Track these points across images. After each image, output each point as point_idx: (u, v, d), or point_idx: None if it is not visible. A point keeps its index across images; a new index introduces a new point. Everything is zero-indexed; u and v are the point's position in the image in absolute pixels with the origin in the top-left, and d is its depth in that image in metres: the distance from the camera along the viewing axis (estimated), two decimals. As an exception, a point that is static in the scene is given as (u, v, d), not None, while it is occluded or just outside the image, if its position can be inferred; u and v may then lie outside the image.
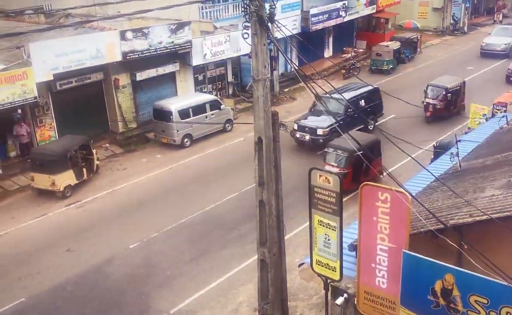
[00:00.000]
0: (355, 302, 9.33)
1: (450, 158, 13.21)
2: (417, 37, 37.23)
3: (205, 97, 24.45)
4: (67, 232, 16.59)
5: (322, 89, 10.15)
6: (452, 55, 37.10)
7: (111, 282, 14.25)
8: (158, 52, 23.30)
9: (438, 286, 7.71)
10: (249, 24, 9.27)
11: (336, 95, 18.67)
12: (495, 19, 48.70)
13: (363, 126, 22.03)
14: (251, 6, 9.02)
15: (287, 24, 24.26)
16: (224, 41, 26.00)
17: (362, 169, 17.40)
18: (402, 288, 8.16)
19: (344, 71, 32.10)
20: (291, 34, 13.21)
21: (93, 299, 13.58)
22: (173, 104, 22.77)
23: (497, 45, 35.64)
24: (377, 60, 33.12)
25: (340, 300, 9.78)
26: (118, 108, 23.59)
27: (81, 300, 13.55)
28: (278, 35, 11.62)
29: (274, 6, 9.37)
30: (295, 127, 21.60)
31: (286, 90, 30.08)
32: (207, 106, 23.56)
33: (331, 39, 36.05)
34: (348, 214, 12.78)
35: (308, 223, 9.60)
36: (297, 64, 27.83)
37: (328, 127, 21.02)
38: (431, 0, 44.45)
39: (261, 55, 9.44)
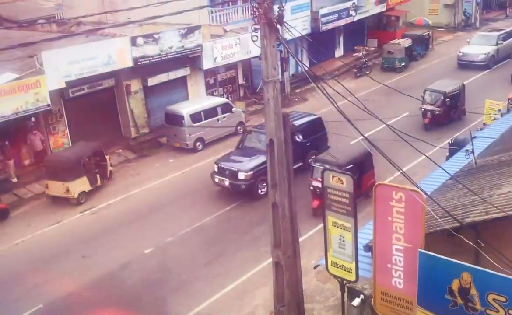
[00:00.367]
0: (372, 303, 9.27)
1: (466, 155, 13.08)
2: (428, 34, 36.93)
3: (217, 100, 24.49)
4: (82, 238, 16.68)
5: (333, 89, 10.09)
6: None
7: (126, 287, 14.30)
8: (169, 57, 23.38)
9: (455, 285, 7.62)
10: (258, 27, 9.27)
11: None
12: (507, 13, 48.17)
13: (301, 163, 19.03)
14: (260, 9, 9.01)
15: (296, 25, 24.24)
16: (234, 44, 26.02)
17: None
18: (419, 288, 8.08)
19: (355, 70, 31.97)
20: (301, 35, 13.17)
21: (109, 305, 13.63)
22: (185, 108, 22.83)
23: (475, 55, 31.65)
24: (389, 58, 32.91)
25: (356, 302, 9.73)
26: (130, 114, 23.71)
27: (97, 306, 13.60)
28: (288, 36, 11.58)
29: (283, 8, 9.36)
30: (215, 168, 18.67)
31: (297, 91, 30.00)
32: (219, 109, 23.59)
33: (341, 39, 35.90)
34: (363, 215, 12.74)
35: (322, 224, 9.55)
36: (307, 65, 27.86)
37: (252, 170, 17.94)
38: (442, -4, 44.11)
39: (271, 57, 9.42)
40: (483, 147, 13.99)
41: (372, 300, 9.26)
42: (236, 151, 19.50)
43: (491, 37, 33.15)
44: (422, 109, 22.80)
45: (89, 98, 22.20)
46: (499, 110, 19.65)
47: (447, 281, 7.73)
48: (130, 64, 22.20)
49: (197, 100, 24.86)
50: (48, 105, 19.76)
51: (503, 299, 7.20)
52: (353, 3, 34.07)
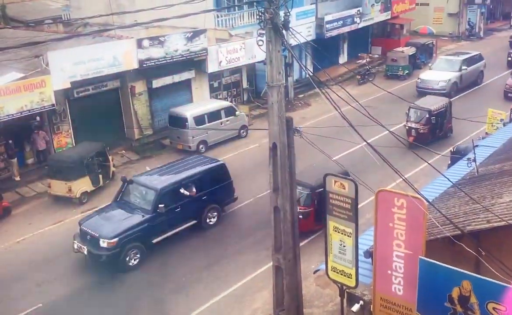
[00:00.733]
0: (371, 309, 9.28)
1: (467, 164, 13.09)
2: (432, 42, 37.00)
3: (220, 104, 24.57)
4: (83, 238, 16.69)
5: (337, 95, 10.15)
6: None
7: (126, 288, 14.32)
8: (174, 59, 23.49)
9: (455, 293, 7.63)
10: (263, 32, 9.35)
11: (148, 179, 16.06)
12: (511, 24, 48.22)
13: (195, 221, 16.30)
14: (266, 14, 9.10)
15: (301, 31, 24.32)
16: (239, 49, 26.11)
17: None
18: (418, 295, 8.09)
19: (359, 77, 32.05)
20: (306, 40, 13.26)
21: (109, 305, 13.66)
22: (189, 111, 22.91)
23: (435, 82, 28.23)
24: (392, 66, 32.98)
25: (356, 307, 9.73)
26: (134, 115, 23.80)
27: (98, 306, 13.63)
28: (292, 42, 11.65)
29: (288, 14, 9.44)
30: (78, 230, 15.30)
31: (301, 96, 30.08)
32: (222, 112, 23.66)
33: (346, 45, 36.02)
34: (364, 221, 12.75)
35: (322, 230, 9.58)
36: (312, 71, 27.92)
37: (118, 236, 14.40)
38: (447, 6, 44.16)
39: (276, 62, 9.51)
40: (485, 156, 14.00)
41: (371, 306, 9.27)
42: (108, 208, 16.21)
43: (454, 62, 29.74)
44: (407, 127, 21.84)
45: (93, 99, 22.30)
46: (502, 120, 19.67)
47: (447, 288, 7.73)
48: (135, 66, 22.30)
49: (201, 103, 24.94)
50: (53, 105, 19.86)
51: (503, 309, 7.21)
52: (358, 10, 34.19)
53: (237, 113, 24.24)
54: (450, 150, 18.19)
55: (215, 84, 27.18)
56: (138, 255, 14.88)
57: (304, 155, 14.42)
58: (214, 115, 23.30)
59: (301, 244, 11.20)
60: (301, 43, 10.33)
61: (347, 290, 9.73)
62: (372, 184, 11.34)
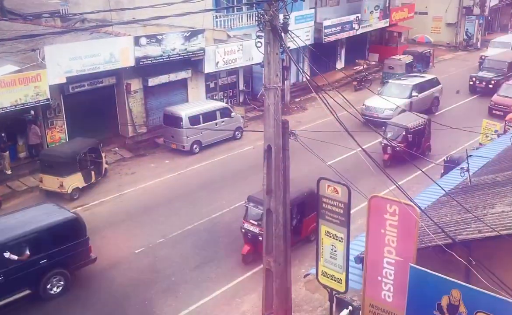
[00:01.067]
0: (360, 315, 9.24)
1: (461, 173, 13.11)
2: (429, 51, 37.17)
3: (216, 104, 24.52)
4: (74, 234, 16.56)
5: (334, 100, 10.12)
6: (465, 70, 36.81)
7: (115, 286, 14.22)
8: (171, 58, 23.42)
9: (444, 301, 7.61)
10: (262, 34, 9.33)
11: None
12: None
13: (29, 292, 13.06)
14: (266, 16, 9.08)
15: (300, 35, 24.27)
16: (237, 50, 26.09)
17: (291, 229, 13.57)
18: (408, 303, 8.06)
19: (355, 83, 32.10)
20: (304, 44, 13.25)
21: (96, 302, 13.56)
22: (184, 110, 22.84)
23: (380, 110, 25.25)
24: (389, 73, 33.01)
25: (345, 313, 9.71)
26: (128, 113, 23.70)
27: (85, 303, 13.53)
28: (290, 45, 11.62)
29: (288, 17, 9.43)
30: None
31: (297, 100, 30.12)
32: (218, 113, 23.61)
33: (343, 51, 36.09)
34: (356, 227, 12.71)
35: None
36: (309, 75, 27.92)
37: None
38: (445, 15, 44.42)
39: (273, 64, 9.49)
40: (478, 166, 14.04)
41: (360, 312, 9.23)
42: None
43: (404, 87, 26.81)
44: (382, 144, 20.74)
45: (88, 95, 22.18)
46: (496, 131, 19.74)
47: (436, 297, 7.71)
48: (132, 63, 22.22)
49: (196, 103, 24.88)
50: (48, 100, 19.74)
51: (492, 319, 7.20)
52: (357, 16, 34.27)
53: (232, 114, 24.20)
54: (444, 159, 18.22)
55: (212, 85, 27.13)
56: None
57: (299, 159, 14.41)
58: (209, 116, 23.23)
59: (292, 247, 11.15)
60: (299, 47, 10.30)
61: (336, 295, 9.69)
62: (366, 190, 11.30)
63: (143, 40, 22.24)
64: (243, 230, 14.79)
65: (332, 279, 9.49)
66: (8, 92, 18.45)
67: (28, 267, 12.89)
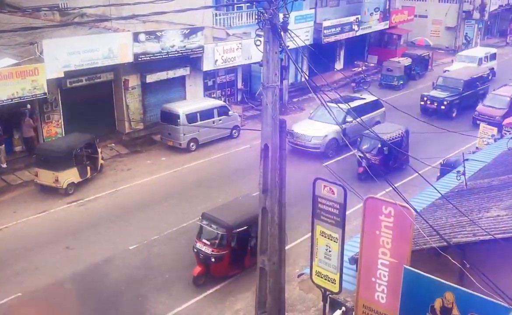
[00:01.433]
0: (353, 316, 9.23)
1: (457, 177, 13.11)
2: (428, 54, 37.21)
3: (214, 103, 24.48)
4: (67, 229, 16.54)
5: (332, 100, 10.11)
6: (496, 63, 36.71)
7: (109, 282, 14.17)
8: (169, 55, 23.35)
9: (437, 304, 7.61)
10: (261, 33, 9.30)
11: None
12: (507, 41, 48.69)
13: None
14: (265, 14, 9.06)
15: (299, 35, 24.23)
16: (236, 49, 26.04)
17: (247, 249, 13.94)
18: (401, 304, 8.06)
19: (353, 84, 32.10)
20: (304, 44, 13.23)
21: (90, 298, 13.51)
22: (181, 108, 22.79)
23: (307, 138, 22.01)
24: (387, 75, 33.08)
25: (338, 313, 9.68)
26: (126, 109, 23.63)
27: (78, 299, 13.48)
28: (289, 45, 11.60)
29: (287, 16, 9.40)
30: None
31: (295, 100, 30.10)
32: (215, 111, 23.57)
33: (342, 52, 36.11)
34: (351, 227, 12.69)
35: (310, 234, 9.52)
36: (307, 75, 27.93)
37: None
38: (444, 19, 44.48)
39: (272, 63, 9.47)
40: (475, 170, 14.05)
41: (353, 313, 9.23)
42: None
43: (338, 111, 20.91)
44: (357, 156, 19.66)
45: (86, 90, 22.09)
46: (493, 135, 19.77)
47: (429, 299, 7.71)
48: (130, 59, 22.14)
49: (194, 100, 24.82)
50: (45, 94, 19.63)
51: (485, 322, 7.19)
52: (357, 18, 34.29)
53: (230, 113, 24.16)
54: (440, 162, 18.23)
55: (210, 83, 27.09)
56: None
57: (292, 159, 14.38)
58: (206, 114, 23.18)
59: (286, 247, 11.12)
60: (299, 47, 10.27)
61: (330, 295, 9.67)
62: (361, 191, 11.30)
63: (142, 36, 22.17)
64: (195, 250, 13.90)
65: (326, 279, 9.47)
66: (5, 85, 18.33)
67: None
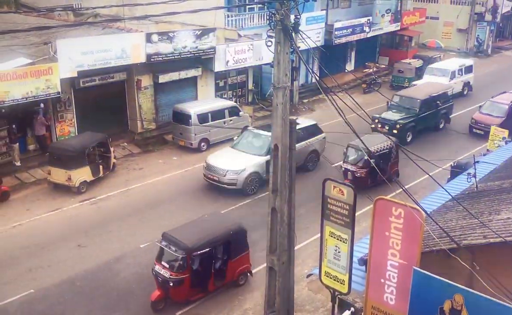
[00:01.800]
0: (362, 317, 9.26)
1: (467, 179, 13.08)
2: (440, 56, 37.07)
3: (225, 103, 24.61)
4: (79, 227, 16.74)
5: (343, 101, 10.14)
6: (474, 76, 36.51)
7: (119, 280, 14.33)
8: (182, 56, 23.52)
9: (447, 306, 7.61)
10: (273, 34, 9.38)
11: None
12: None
13: None
14: (277, 15, 9.13)
15: (310, 36, 24.29)
16: (247, 49, 26.14)
17: (211, 272, 13.20)
18: (410, 306, 8.07)
19: (364, 86, 32.09)
20: (315, 45, 13.26)
21: (100, 296, 13.66)
22: (193, 108, 22.94)
23: (221, 172, 18.84)
24: (398, 77, 33.00)
25: (346, 314, 9.71)
26: (138, 109, 23.83)
27: (89, 296, 13.64)
28: (300, 46, 11.66)
29: (299, 17, 9.47)
30: None
31: (305, 101, 30.15)
32: (226, 112, 23.69)
33: (353, 53, 36.10)
34: (360, 229, 12.72)
35: (319, 235, 9.56)
36: (318, 76, 27.95)
37: None
38: (456, 21, 44.22)
39: (283, 64, 9.53)
40: (485, 172, 14.00)
41: (362, 314, 9.25)
42: None
43: (263, 139, 19.54)
44: (342, 169, 18.94)
45: (99, 90, 22.33)
46: (504, 138, 19.68)
47: (439, 301, 7.71)
48: (143, 59, 22.33)
49: (205, 101, 24.96)
50: (58, 93, 19.88)
51: (494, 324, 7.19)
52: (368, 19, 34.25)
53: (241, 113, 24.27)
54: (451, 165, 18.18)
55: (221, 83, 27.21)
56: None
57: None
58: (218, 114, 23.31)
59: (296, 247, 11.17)
60: (310, 48, 10.32)
61: (339, 296, 9.70)
62: (371, 192, 11.33)
63: (154, 37, 22.36)
64: (153, 273, 13.07)
65: (335, 280, 9.50)
66: (20, 84, 18.60)
67: None
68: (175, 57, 23.31)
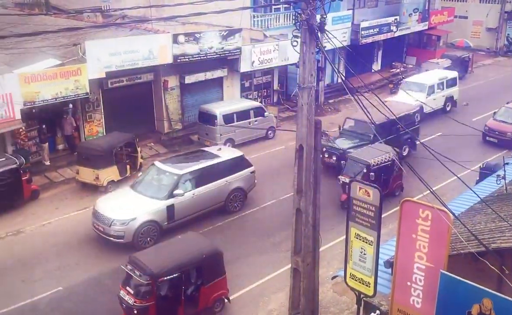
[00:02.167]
0: (388, 320, 9.17)
1: (497, 181, 12.83)
2: (469, 56, 36.36)
3: (250, 104, 24.67)
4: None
5: (369, 101, 10.07)
6: (504, 76, 35.75)
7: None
8: (208, 57, 23.67)
9: (475, 310, 7.49)
10: (299, 33, 9.37)
11: None
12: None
13: None
14: (303, 15, 9.12)
15: (337, 36, 24.18)
16: (273, 50, 26.15)
17: (181, 299, 11.98)
18: (437, 309, 7.97)
19: (391, 86, 31.72)
20: (341, 45, 13.18)
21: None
22: (218, 108, 23.07)
23: (106, 221, 15.46)
24: (426, 77, 32.43)
25: (372, 316, 9.64)
26: (165, 109, 24.08)
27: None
28: (326, 46, 11.61)
29: (325, 17, 9.43)
30: None
31: (331, 101, 30.00)
32: (251, 112, 23.75)
33: (380, 53, 35.78)
34: (386, 231, 12.63)
35: (344, 236, 9.51)
36: (344, 76, 27.79)
37: None
38: (485, 20, 43.38)
39: (309, 64, 9.51)
40: (516, 175, 13.69)
41: (388, 316, 9.18)
42: None
43: (166, 176, 16.62)
44: (340, 182, 17.57)
45: (126, 90, 22.65)
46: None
47: (467, 305, 7.60)
48: (170, 60, 22.56)
49: (231, 101, 25.08)
50: (87, 94, 20.25)
51: (524, 330, 7.05)
52: (395, 19, 33.90)
53: (266, 114, 24.30)
54: (480, 166, 17.83)
55: (246, 84, 27.30)
56: None
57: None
58: (243, 114, 23.39)
59: (321, 248, 11.12)
60: (336, 48, 10.26)
61: (364, 298, 9.64)
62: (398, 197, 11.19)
63: (181, 38, 22.55)
64: (118, 298, 12.17)
65: (360, 282, 9.44)
66: (49, 85, 19.03)
67: None
68: (201, 58, 23.48)
